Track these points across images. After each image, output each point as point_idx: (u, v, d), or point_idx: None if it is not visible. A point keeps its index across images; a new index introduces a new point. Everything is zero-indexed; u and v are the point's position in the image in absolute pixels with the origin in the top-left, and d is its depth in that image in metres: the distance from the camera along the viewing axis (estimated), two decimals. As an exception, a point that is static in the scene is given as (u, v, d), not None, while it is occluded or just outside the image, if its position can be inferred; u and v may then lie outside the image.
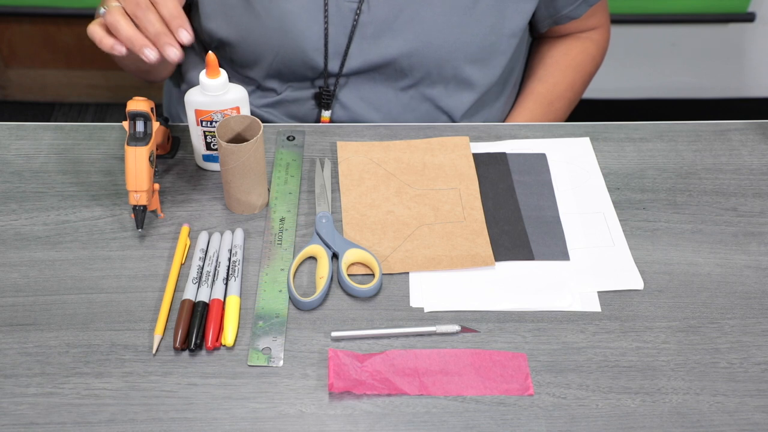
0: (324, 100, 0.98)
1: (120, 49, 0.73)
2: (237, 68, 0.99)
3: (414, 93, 0.99)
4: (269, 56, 0.96)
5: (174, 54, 0.72)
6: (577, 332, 0.73)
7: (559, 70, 1.08)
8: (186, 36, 0.73)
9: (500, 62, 1.00)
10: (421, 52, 0.95)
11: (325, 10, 0.93)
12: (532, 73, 1.10)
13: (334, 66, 0.96)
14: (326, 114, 1.00)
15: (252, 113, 1.01)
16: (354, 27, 0.94)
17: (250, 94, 1.02)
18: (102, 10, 0.74)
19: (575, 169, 0.90)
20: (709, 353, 0.72)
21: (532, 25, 1.06)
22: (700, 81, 2.10)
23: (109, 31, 0.74)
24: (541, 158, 0.91)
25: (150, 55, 0.72)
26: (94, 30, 0.73)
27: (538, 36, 1.12)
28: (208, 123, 0.83)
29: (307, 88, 1.00)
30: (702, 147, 0.93)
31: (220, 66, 0.82)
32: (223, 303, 0.74)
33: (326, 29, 0.94)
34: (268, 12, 0.92)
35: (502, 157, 0.91)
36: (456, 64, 0.96)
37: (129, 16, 0.73)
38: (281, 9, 0.92)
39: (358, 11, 0.93)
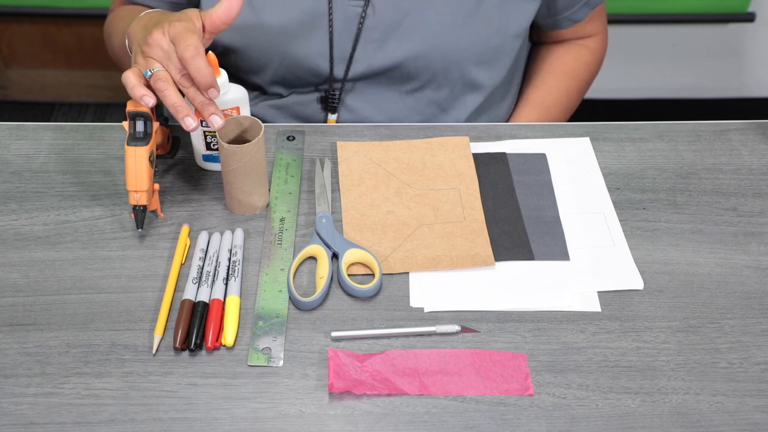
0: (330, 104, 0.98)
1: (149, 101, 0.75)
2: (242, 74, 0.99)
3: (420, 96, 0.99)
4: (274, 62, 0.95)
5: (218, 123, 0.75)
6: (577, 332, 0.73)
7: (553, 75, 1.07)
8: (215, 93, 0.75)
9: (506, 63, 1.00)
10: (428, 56, 0.94)
11: (330, 16, 0.92)
12: (528, 80, 1.10)
13: (339, 71, 0.96)
14: (332, 117, 1.00)
15: (256, 115, 1.01)
16: (359, 32, 0.93)
17: (254, 98, 1.02)
18: (147, 71, 0.75)
19: (575, 169, 0.90)
20: (709, 353, 0.72)
21: (532, 29, 1.06)
22: (700, 81, 2.10)
23: (141, 81, 0.75)
24: (541, 158, 0.91)
25: (191, 124, 0.75)
26: (128, 77, 0.75)
27: (536, 42, 1.12)
28: (209, 123, 0.83)
29: (312, 92, 1.00)
30: (702, 147, 0.93)
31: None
32: (223, 303, 0.74)
33: (331, 34, 0.93)
34: (273, 18, 0.92)
35: (502, 157, 0.91)
36: (462, 66, 0.96)
37: (174, 81, 0.75)
38: (285, 15, 0.92)
39: (363, 15, 0.92)
